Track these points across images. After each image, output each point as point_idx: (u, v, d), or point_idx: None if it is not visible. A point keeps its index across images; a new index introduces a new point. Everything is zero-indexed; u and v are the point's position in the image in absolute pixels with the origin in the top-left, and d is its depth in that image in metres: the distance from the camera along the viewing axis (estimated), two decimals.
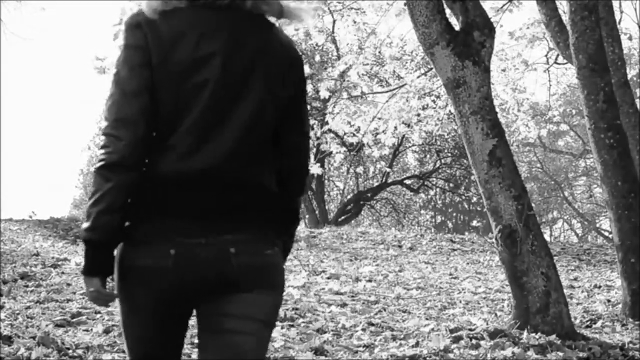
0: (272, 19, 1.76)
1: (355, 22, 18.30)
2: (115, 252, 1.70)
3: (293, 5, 1.75)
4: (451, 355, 4.00)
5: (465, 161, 21.80)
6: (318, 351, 4.00)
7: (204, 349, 1.80)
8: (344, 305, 5.81)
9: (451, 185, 25.91)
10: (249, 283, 1.70)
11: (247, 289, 1.70)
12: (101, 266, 1.68)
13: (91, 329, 4.21)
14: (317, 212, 21.92)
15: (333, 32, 18.93)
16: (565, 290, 5.15)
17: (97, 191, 1.63)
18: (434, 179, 25.57)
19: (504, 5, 9.11)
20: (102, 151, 1.63)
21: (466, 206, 30.58)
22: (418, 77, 10.02)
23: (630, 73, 14.72)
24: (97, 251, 1.66)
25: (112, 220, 1.62)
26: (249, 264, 1.70)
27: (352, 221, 25.08)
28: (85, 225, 1.64)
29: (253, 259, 1.71)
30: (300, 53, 1.85)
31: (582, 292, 7.37)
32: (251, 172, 1.71)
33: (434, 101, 10.13)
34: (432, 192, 29.22)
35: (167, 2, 1.66)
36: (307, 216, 22.25)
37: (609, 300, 6.43)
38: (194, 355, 3.82)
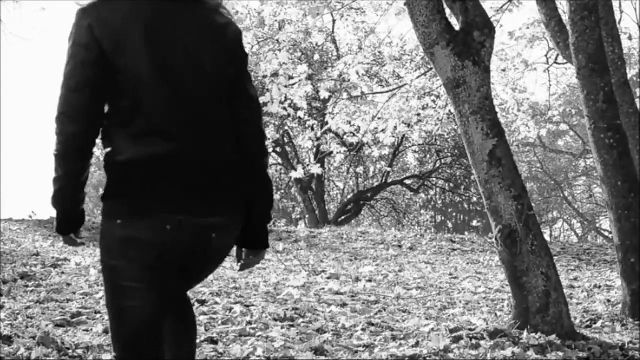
0: (214, 4, 1.92)
1: (355, 22, 18.33)
2: (107, 229, 1.85)
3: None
4: (451, 355, 4.00)
5: (465, 161, 21.81)
6: (318, 351, 4.00)
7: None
8: (344, 305, 5.81)
9: (451, 185, 25.91)
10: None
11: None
12: (69, 228, 1.92)
13: (91, 329, 4.21)
14: (317, 212, 21.92)
15: (333, 32, 18.93)
16: (565, 290, 5.15)
17: (54, 175, 1.85)
18: (434, 179, 25.57)
19: (504, 5, 9.11)
20: (54, 140, 1.82)
21: (466, 206, 30.58)
22: (418, 77, 10.02)
23: (630, 73, 14.71)
24: (64, 218, 1.89)
25: (67, 197, 1.85)
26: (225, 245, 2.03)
27: (352, 221, 25.08)
28: (50, 200, 1.87)
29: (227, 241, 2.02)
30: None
31: (582, 292, 7.37)
32: (219, 148, 1.85)
33: (434, 101, 10.13)
34: (432, 192, 29.22)
35: None
36: (307, 216, 22.24)
37: (609, 300, 6.43)
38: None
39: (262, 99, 7.21)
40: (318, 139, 10.03)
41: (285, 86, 7.13)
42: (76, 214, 1.90)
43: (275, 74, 7.23)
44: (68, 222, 1.90)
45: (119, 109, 1.79)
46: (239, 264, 2.18)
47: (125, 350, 1.87)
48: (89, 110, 1.78)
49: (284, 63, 6.95)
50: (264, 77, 8.45)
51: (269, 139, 10.46)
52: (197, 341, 4.08)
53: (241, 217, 1.97)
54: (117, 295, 1.86)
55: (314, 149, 19.84)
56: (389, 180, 24.18)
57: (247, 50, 2.06)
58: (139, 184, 1.77)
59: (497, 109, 5.43)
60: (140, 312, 1.85)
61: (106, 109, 1.83)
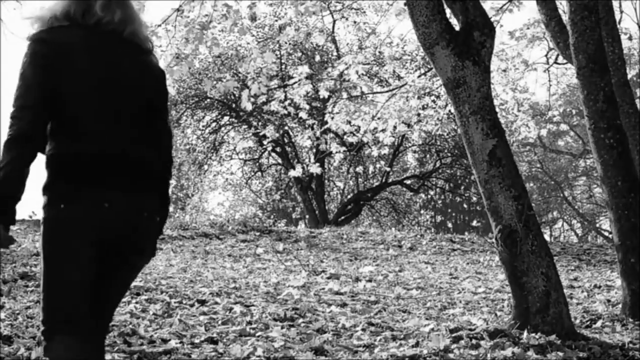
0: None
1: (355, 22, 18.32)
2: (48, 212, 2.12)
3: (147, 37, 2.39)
4: (451, 355, 4.00)
5: (465, 161, 21.79)
6: (318, 351, 4.00)
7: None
8: (344, 305, 5.81)
9: (451, 185, 25.91)
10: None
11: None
12: (7, 217, 2.08)
13: None
14: (317, 212, 21.91)
15: (333, 32, 18.93)
16: (565, 290, 5.15)
17: (3, 159, 2.05)
18: (434, 179, 25.56)
19: (504, 5, 9.11)
20: (8, 130, 2.08)
21: (466, 206, 30.58)
22: (418, 77, 10.01)
23: (630, 73, 14.71)
24: (4, 204, 2.05)
25: (14, 180, 2.05)
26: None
27: (352, 221, 25.07)
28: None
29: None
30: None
31: (582, 292, 7.37)
32: (144, 150, 2.25)
33: (434, 101, 10.13)
34: (432, 192, 29.21)
35: (58, 20, 2.22)
36: (307, 216, 22.24)
37: (609, 300, 6.43)
38: (194, 356, 3.83)
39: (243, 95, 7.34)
40: (317, 138, 10.03)
41: (266, 85, 7.14)
42: (17, 201, 2.11)
43: (258, 74, 7.24)
44: (10, 208, 2.09)
45: (63, 117, 2.16)
46: None
47: (58, 322, 2.10)
48: (45, 105, 2.13)
49: (270, 62, 6.97)
50: (247, 74, 8.47)
51: (269, 138, 10.48)
52: (197, 341, 4.09)
53: (159, 209, 2.31)
54: (59, 269, 2.11)
55: (314, 149, 19.85)
56: (389, 180, 24.18)
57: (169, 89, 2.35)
58: (76, 174, 2.13)
59: (497, 109, 5.43)
60: (80, 285, 2.11)
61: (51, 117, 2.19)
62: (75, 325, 2.10)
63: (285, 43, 17.05)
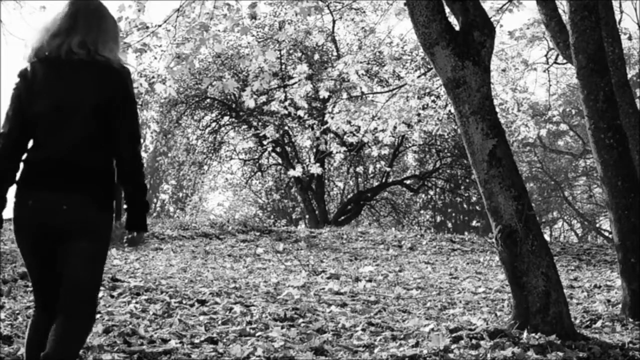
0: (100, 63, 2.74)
1: (354, 21, 18.32)
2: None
3: (111, 57, 2.78)
4: (451, 355, 4.00)
5: (465, 161, 21.79)
6: (318, 351, 4.00)
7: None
8: (344, 305, 5.81)
9: (451, 185, 25.90)
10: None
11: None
12: None
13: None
14: (317, 212, 21.91)
15: (333, 32, 18.92)
16: (565, 290, 5.15)
17: None
18: (434, 179, 25.56)
19: (504, 5, 9.10)
20: None
21: (466, 206, 30.56)
22: (418, 77, 10.01)
23: (630, 73, 14.71)
24: None
25: None
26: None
27: (352, 221, 25.06)
28: None
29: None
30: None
31: (582, 292, 7.37)
32: (82, 157, 2.67)
33: (434, 101, 10.13)
34: (432, 192, 29.21)
35: (30, 59, 2.78)
36: (307, 216, 22.24)
37: (609, 300, 6.43)
38: (194, 356, 3.83)
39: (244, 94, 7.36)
40: (317, 138, 10.03)
41: (268, 82, 7.14)
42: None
43: (260, 71, 7.24)
44: None
45: (31, 134, 2.73)
46: (125, 240, 2.81)
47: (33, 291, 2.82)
48: (18, 131, 2.72)
49: (272, 60, 6.97)
50: (247, 72, 8.48)
51: (269, 138, 10.48)
52: (197, 341, 4.08)
53: (91, 201, 2.67)
54: (22, 257, 2.78)
55: (314, 149, 19.84)
56: (389, 180, 24.17)
57: (130, 92, 2.77)
58: (19, 179, 2.70)
59: (497, 109, 5.43)
60: (33, 269, 2.74)
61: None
62: (36, 300, 2.77)
63: (285, 41, 17.04)
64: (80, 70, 2.72)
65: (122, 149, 2.72)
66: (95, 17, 2.80)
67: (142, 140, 2.93)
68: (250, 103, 7.39)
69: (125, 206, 2.76)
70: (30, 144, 2.75)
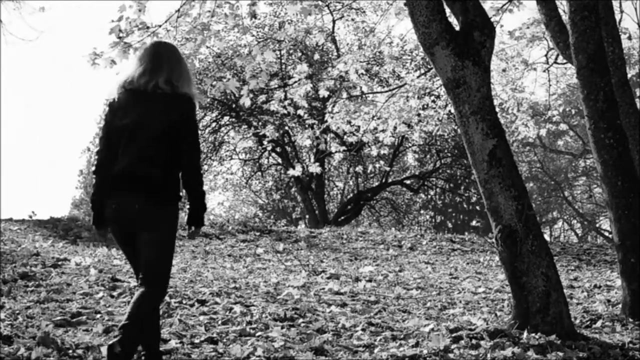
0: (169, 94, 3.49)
1: (354, 20, 18.31)
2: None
3: (185, 91, 3.51)
4: (451, 355, 4.00)
5: (465, 161, 21.79)
6: (318, 351, 4.00)
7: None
8: (344, 305, 5.81)
9: (451, 185, 25.90)
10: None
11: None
12: (95, 219, 3.55)
13: (91, 329, 4.21)
14: (317, 212, 21.91)
15: (333, 32, 18.93)
16: (565, 290, 5.15)
17: (93, 182, 3.57)
18: (434, 179, 25.55)
19: (504, 5, 9.10)
20: (93, 164, 3.55)
21: (466, 206, 30.56)
22: (418, 77, 10.01)
23: (630, 73, 14.70)
24: (92, 210, 3.55)
25: (93, 195, 3.56)
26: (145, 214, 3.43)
27: (352, 221, 25.06)
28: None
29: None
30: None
31: (582, 292, 7.37)
32: (148, 170, 3.40)
33: (434, 101, 10.12)
34: (432, 192, 29.21)
35: (119, 90, 3.52)
36: (307, 216, 22.24)
37: (609, 300, 6.43)
38: (194, 356, 3.83)
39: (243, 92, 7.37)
40: (317, 138, 10.03)
41: (265, 82, 7.14)
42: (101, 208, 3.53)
43: (259, 71, 7.24)
44: (97, 212, 3.53)
45: (110, 147, 3.49)
46: (187, 234, 3.63)
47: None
48: (109, 148, 3.49)
49: (269, 60, 6.98)
50: (242, 71, 8.50)
51: (269, 138, 10.48)
52: (197, 341, 4.08)
53: (159, 202, 3.41)
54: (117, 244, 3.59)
55: (314, 149, 19.83)
56: (389, 180, 24.17)
57: (194, 118, 3.52)
58: (111, 185, 3.46)
59: (497, 109, 5.43)
60: (125, 253, 3.59)
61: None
62: (135, 273, 3.59)
63: (285, 41, 17.04)
64: (160, 100, 3.46)
65: (188, 172, 3.47)
66: (174, 58, 3.54)
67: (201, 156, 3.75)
68: (246, 102, 7.39)
69: (187, 207, 3.52)
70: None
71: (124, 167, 3.38)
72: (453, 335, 4.39)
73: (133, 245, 3.46)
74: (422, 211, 31.69)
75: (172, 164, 3.43)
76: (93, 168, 3.53)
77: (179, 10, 6.31)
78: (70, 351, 3.64)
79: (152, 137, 3.39)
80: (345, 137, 10.24)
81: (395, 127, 9.67)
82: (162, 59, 3.51)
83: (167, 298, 5.54)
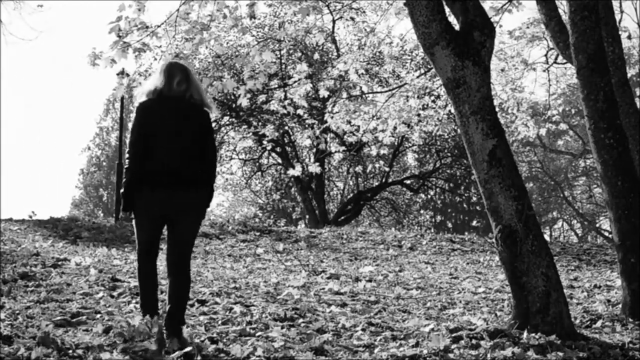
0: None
1: (354, 19, 18.30)
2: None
3: (207, 102, 4.27)
4: (451, 355, 4.00)
5: (465, 161, 21.79)
6: (318, 351, 4.00)
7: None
8: (344, 305, 5.81)
9: (451, 185, 25.89)
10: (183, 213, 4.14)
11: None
12: (127, 206, 4.13)
13: (91, 329, 4.21)
14: (317, 212, 21.91)
15: (333, 32, 18.93)
16: (565, 290, 5.15)
17: (124, 178, 4.10)
18: (434, 179, 25.55)
19: (504, 5, 9.10)
20: (126, 162, 4.11)
21: (466, 206, 30.57)
22: (418, 76, 10.01)
23: (630, 73, 14.69)
24: (125, 199, 4.11)
25: (128, 187, 4.09)
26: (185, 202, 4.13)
27: (352, 221, 25.05)
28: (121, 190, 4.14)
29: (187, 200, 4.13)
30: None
31: (582, 292, 7.37)
32: (188, 166, 4.08)
33: (434, 101, 10.12)
34: (432, 192, 29.21)
35: (149, 98, 4.13)
36: (307, 216, 22.24)
37: (609, 300, 6.43)
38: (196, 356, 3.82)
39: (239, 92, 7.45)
40: (317, 137, 10.03)
41: (263, 83, 7.16)
42: (131, 197, 4.11)
43: (257, 72, 7.26)
44: (128, 201, 4.12)
45: (147, 147, 4.05)
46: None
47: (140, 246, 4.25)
48: (141, 147, 4.05)
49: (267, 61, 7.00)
50: (242, 71, 8.51)
51: (269, 138, 10.48)
52: (197, 341, 4.08)
53: (197, 194, 4.12)
54: (140, 229, 4.19)
55: (314, 149, 19.82)
56: (389, 180, 24.17)
57: (211, 124, 4.28)
58: (150, 179, 4.04)
59: (497, 109, 5.42)
60: (150, 234, 4.18)
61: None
62: (144, 250, 4.24)
63: (284, 40, 17.02)
64: (192, 108, 4.16)
65: (208, 169, 4.14)
66: (194, 76, 4.27)
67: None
68: (244, 102, 7.40)
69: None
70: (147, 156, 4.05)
71: (168, 164, 4.00)
72: (453, 335, 4.39)
73: (160, 227, 4.16)
74: (422, 211, 31.70)
75: (200, 160, 4.11)
76: (127, 163, 4.04)
77: (178, 10, 6.31)
78: (70, 351, 3.64)
79: (191, 139, 4.08)
80: (345, 137, 10.24)
81: (395, 127, 9.67)
82: (189, 74, 4.20)
83: (167, 298, 5.53)
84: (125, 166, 4.06)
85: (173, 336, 3.88)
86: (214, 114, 4.43)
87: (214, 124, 21.32)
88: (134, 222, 4.19)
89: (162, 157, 3.99)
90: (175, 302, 4.08)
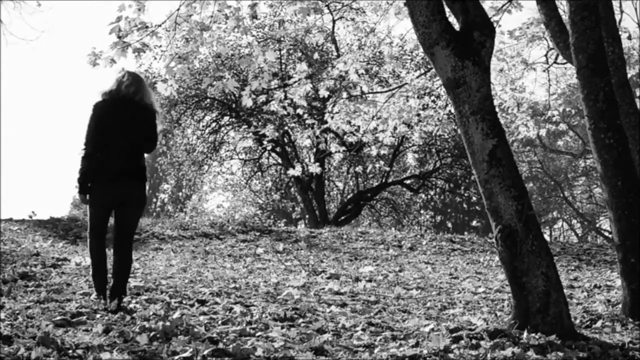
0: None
1: (354, 20, 18.31)
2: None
3: (156, 106, 5.07)
4: (451, 355, 4.00)
5: (465, 161, 21.78)
6: (318, 351, 4.00)
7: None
8: (344, 305, 5.81)
9: (451, 185, 25.89)
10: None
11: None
12: (84, 190, 4.94)
13: (91, 329, 4.21)
14: (317, 212, 21.90)
15: (333, 32, 18.93)
16: (565, 290, 5.15)
17: (81, 166, 4.93)
18: (434, 179, 25.55)
19: (504, 5, 9.10)
20: (82, 151, 4.93)
21: (466, 206, 30.57)
22: (418, 76, 10.00)
23: (630, 73, 14.68)
24: (81, 186, 4.94)
25: (84, 174, 4.93)
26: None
27: (352, 221, 25.05)
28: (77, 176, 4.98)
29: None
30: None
31: (582, 292, 7.37)
32: (133, 162, 4.92)
33: (434, 101, 10.12)
34: (432, 192, 29.21)
35: (103, 97, 4.96)
36: (307, 216, 22.24)
37: (609, 300, 6.43)
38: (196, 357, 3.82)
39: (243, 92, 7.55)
40: (317, 137, 10.03)
41: (267, 82, 7.17)
42: (87, 184, 4.91)
43: (260, 71, 7.27)
44: (84, 186, 4.90)
45: (99, 141, 4.85)
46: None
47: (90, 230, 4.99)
48: (95, 142, 4.86)
49: (271, 60, 7.01)
50: (248, 72, 8.53)
51: (269, 138, 10.48)
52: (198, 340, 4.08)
53: (139, 186, 4.94)
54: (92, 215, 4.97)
55: (314, 149, 19.82)
56: (389, 180, 24.17)
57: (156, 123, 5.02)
58: (102, 174, 4.85)
59: (497, 109, 5.43)
60: (99, 217, 4.96)
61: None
62: (95, 232, 4.98)
63: (285, 41, 17.04)
64: (140, 109, 4.92)
65: (144, 156, 4.97)
66: (145, 82, 5.03)
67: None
68: (248, 102, 7.40)
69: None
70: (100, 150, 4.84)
71: (118, 159, 4.80)
72: (453, 335, 4.39)
73: (109, 213, 4.95)
74: (422, 211, 31.70)
75: (141, 156, 4.93)
76: (83, 153, 4.83)
77: (178, 10, 6.31)
78: (70, 351, 3.64)
79: (137, 137, 4.86)
80: (345, 137, 10.23)
81: (395, 127, 9.66)
82: (140, 81, 4.98)
83: (167, 298, 5.54)
84: (81, 155, 4.83)
85: (113, 300, 4.79)
86: (160, 122, 5.13)
87: (213, 124, 21.45)
88: (87, 207, 4.94)
89: (112, 153, 4.78)
90: (118, 277, 4.88)
